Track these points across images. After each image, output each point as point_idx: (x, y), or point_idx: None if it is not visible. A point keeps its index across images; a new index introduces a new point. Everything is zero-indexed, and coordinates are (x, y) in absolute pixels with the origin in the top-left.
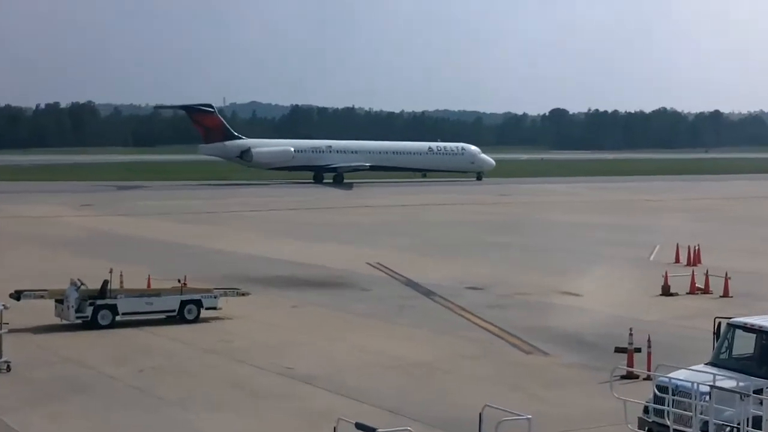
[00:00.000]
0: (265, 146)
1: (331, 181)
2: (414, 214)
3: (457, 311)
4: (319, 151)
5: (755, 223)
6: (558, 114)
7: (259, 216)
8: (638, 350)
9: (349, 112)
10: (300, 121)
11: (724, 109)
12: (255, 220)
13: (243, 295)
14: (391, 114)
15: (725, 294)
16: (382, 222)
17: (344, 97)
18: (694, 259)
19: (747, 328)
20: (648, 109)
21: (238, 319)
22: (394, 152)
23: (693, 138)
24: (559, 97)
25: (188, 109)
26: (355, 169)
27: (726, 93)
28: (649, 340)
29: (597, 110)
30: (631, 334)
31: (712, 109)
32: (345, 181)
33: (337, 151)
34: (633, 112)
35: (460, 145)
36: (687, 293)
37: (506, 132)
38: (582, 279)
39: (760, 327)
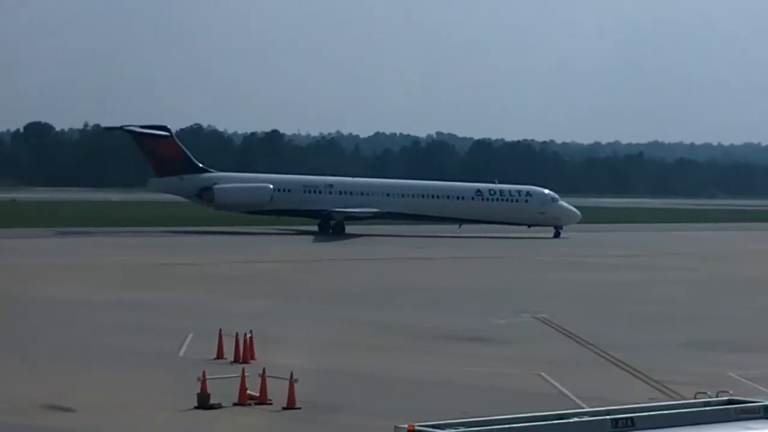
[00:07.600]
0: (234, 181)
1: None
2: None
3: None
4: (314, 191)
5: (336, 301)
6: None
7: None
8: None
9: None
10: None
11: (287, 129)
12: None
13: None
14: None
15: (290, 404)
16: None
17: None
18: (246, 353)
19: None
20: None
21: None
22: (425, 195)
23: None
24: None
25: (136, 134)
26: (357, 217)
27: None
28: None
29: (198, 125)
30: None
31: (269, 129)
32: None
33: (340, 192)
34: (245, 133)
35: (525, 188)
36: (235, 404)
37: None
38: (77, 385)
39: None
